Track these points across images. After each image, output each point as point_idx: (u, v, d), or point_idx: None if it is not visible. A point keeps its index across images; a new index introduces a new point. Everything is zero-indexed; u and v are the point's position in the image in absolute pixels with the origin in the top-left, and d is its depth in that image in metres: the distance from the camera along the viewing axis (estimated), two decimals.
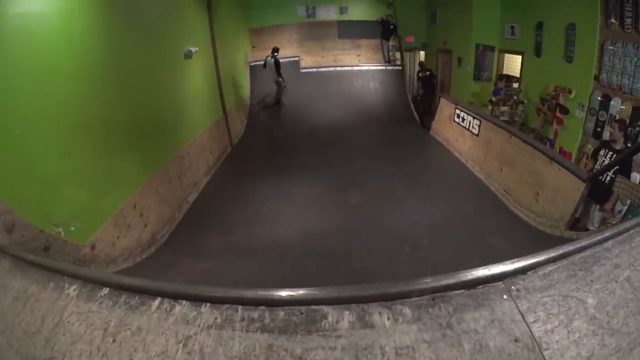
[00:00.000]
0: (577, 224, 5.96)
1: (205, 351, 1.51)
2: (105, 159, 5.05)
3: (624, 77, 7.71)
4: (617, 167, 5.63)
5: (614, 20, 7.79)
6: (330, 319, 1.70)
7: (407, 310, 1.79)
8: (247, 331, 1.59)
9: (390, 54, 15.44)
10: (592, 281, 2.05)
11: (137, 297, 1.78)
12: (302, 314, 1.70)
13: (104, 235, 4.72)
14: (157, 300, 1.74)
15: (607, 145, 6.17)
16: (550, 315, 1.83)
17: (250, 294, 1.75)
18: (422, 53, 17.18)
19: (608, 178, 5.71)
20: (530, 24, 10.60)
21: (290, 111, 13.00)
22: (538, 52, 10.49)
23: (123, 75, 5.66)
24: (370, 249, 5.75)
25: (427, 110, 13.64)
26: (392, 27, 15.10)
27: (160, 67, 7.10)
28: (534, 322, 1.80)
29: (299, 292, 1.79)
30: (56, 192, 4.12)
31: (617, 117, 7.47)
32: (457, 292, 1.91)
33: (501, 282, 1.99)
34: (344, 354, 1.57)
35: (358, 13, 16.07)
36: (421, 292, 1.87)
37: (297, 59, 15.15)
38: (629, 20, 7.45)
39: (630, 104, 7.61)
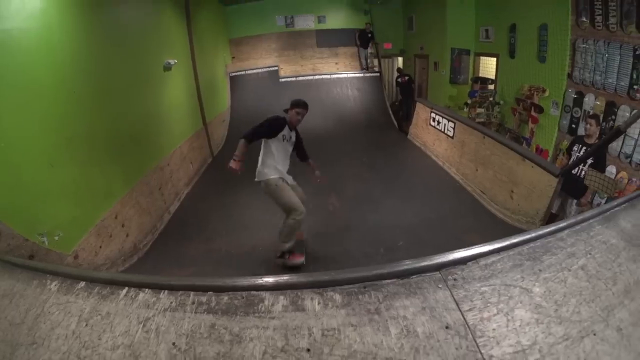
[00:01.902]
0: (555, 220, 6.04)
1: (160, 330, 1.70)
2: (87, 170, 5.15)
3: (596, 73, 7.96)
4: (592, 161, 5.75)
5: (584, 19, 8.05)
6: (266, 302, 1.83)
7: (337, 297, 1.87)
8: (195, 312, 1.77)
9: (368, 61, 15.61)
10: (540, 270, 2.07)
11: (108, 288, 1.98)
12: (243, 298, 1.85)
13: (86, 245, 4.82)
14: (125, 290, 1.94)
15: (581, 140, 6.28)
16: (489, 304, 1.84)
17: (200, 281, 1.94)
18: (400, 59, 17.44)
19: (582, 172, 5.81)
20: (504, 27, 10.88)
21: None
22: (512, 53, 10.75)
23: (103, 88, 5.76)
24: (347, 252, 5.89)
25: (406, 115, 13.85)
26: (369, 35, 15.30)
27: (140, 80, 7.18)
28: (469, 310, 1.81)
29: (241, 280, 1.95)
30: (40, 202, 4.21)
31: (592, 113, 7.64)
32: (389, 280, 1.96)
33: (437, 272, 2.03)
34: (274, 333, 1.69)
35: (336, 22, 16.26)
36: (353, 280, 1.95)
37: (275, 68, 15.30)
38: (599, 18, 7.70)
39: (603, 99, 7.86)
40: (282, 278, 2.00)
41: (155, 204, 7.08)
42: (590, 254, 2.26)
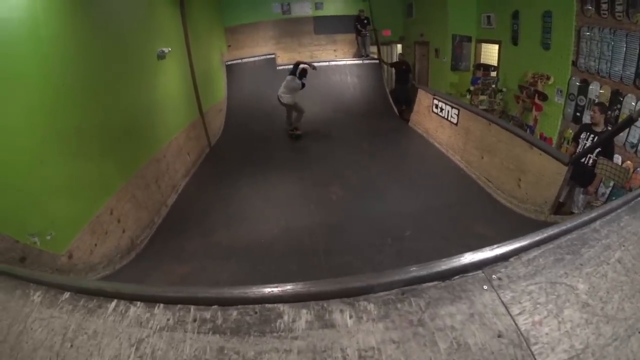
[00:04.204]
0: (561, 209, 6.05)
1: (157, 354, 1.48)
2: (79, 166, 4.98)
3: (602, 61, 7.86)
4: (599, 149, 5.68)
5: (590, 7, 7.94)
6: (285, 318, 1.60)
7: (371, 307, 1.64)
8: (198, 333, 1.54)
9: (367, 48, 15.51)
10: (581, 265, 1.90)
11: (95, 300, 1.78)
12: (256, 313, 1.62)
13: (81, 243, 4.67)
14: (114, 303, 1.73)
15: (588, 128, 6.23)
16: (538, 305, 1.65)
17: (202, 292, 1.70)
18: (399, 46, 17.25)
19: (590, 161, 5.77)
20: (506, 13, 10.73)
21: (268, 110, 12.97)
22: (515, 40, 10.63)
23: (94, 79, 5.58)
24: (352, 243, 5.76)
25: (406, 102, 13.70)
26: (364, 21, 15.15)
27: (133, 70, 7.00)
28: (520, 314, 1.62)
29: (253, 290, 1.69)
30: (30, 201, 4.06)
31: (597, 101, 7.62)
32: (430, 284, 1.74)
33: (480, 271, 1.82)
34: (300, 357, 1.46)
35: (334, 8, 16.08)
36: (388, 286, 1.72)
37: (273, 56, 15.15)
38: (604, 6, 7.60)
39: (608, 88, 7.76)
40: (303, 286, 1.74)
41: (152, 197, 6.94)
42: (624, 245, 2.06)
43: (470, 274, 1.80)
